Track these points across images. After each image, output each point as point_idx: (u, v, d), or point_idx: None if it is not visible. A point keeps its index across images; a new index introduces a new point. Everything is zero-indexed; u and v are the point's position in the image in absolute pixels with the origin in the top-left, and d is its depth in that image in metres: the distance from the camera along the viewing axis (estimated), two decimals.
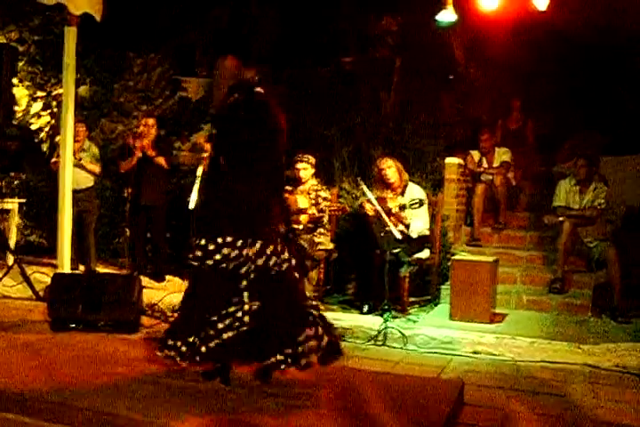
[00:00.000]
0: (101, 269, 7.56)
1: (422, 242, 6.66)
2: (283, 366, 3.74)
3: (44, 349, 4.60)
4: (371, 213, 6.41)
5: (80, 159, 7.38)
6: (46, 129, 8.69)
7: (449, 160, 7.81)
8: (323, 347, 3.82)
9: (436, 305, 6.75)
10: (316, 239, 6.73)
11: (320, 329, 3.82)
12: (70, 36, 6.57)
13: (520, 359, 5.11)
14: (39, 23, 8.59)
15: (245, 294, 3.75)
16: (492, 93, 9.38)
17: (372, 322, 5.77)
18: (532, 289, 6.88)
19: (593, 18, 8.33)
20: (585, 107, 8.89)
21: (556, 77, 9.15)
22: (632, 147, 8.23)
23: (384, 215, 6.16)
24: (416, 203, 6.29)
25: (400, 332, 5.51)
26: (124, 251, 7.87)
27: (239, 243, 3.74)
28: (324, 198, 6.83)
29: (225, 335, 3.70)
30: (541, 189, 8.17)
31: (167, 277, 7.48)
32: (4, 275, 6.61)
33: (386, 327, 5.55)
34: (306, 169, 6.88)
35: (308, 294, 4.18)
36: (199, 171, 6.89)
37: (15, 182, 8.43)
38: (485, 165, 7.98)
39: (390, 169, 6.67)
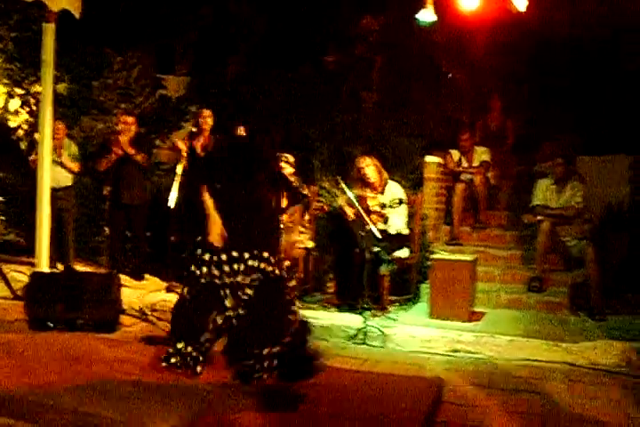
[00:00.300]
0: (80, 268, 7.50)
1: (402, 241, 6.67)
2: (258, 371, 3.82)
3: (21, 348, 4.57)
4: (351, 217, 6.43)
5: (59, 157, 7.32)
6: (25, 127, 8.61)
7: (429, 159, 7.83)
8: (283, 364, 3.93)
9: (415, 304, 6.77)
10: (296, 238, 6.73)
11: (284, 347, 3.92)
12: (48, 32, 6.52)
13: (499, 358, 5.15)
14: (17, 20, 8.50)
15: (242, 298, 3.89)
16: (472, 93, 9.41)
17: (352, 321, 5.78)
18: (511, 288, 6.92)
19: (572, 19, 8.39)
20: (564, 107, 8.94)
21: (536, 77, 9.21)
22: (611, 147, 8.28)
23: (364, 214, 6.17)
24: (397, 202, 6.31)
25: (380, 330, 5.53)
26: (103, 249, 7.83)
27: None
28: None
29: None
30: (520, 189, 8.21)
31: (146, 275, 7.45)
32: None
33: (365, 326, 5.57)
34: (285, 168, 6.87)
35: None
36: (179, 169, 6.86)
37: None
38: (465, 164, 8.01)
39: (369, 168, 6.68)
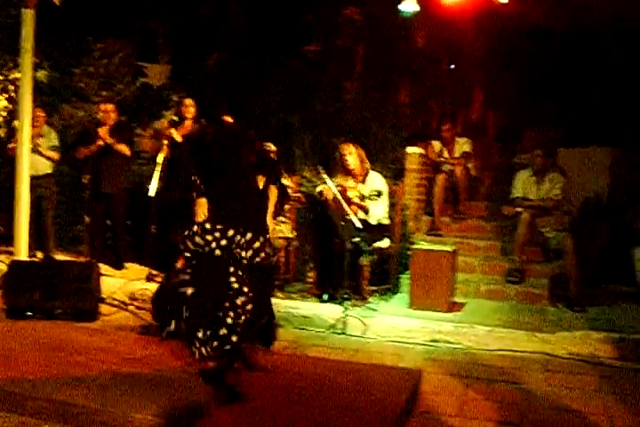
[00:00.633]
0: (60, 257, 7.46)
1: (382, 231, 6.68)
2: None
3: None
4: (330, 196, 6.40)
5: (38, 145, 7.26)
6: (3, 114, 8.52)
7: (410, 150, 7.84)
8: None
9: (395, 294, 6.80)
10: (277, 227, 6.72)
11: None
12: (28, 18, 6.44)
13: (478, 348, 5.17)
14: None
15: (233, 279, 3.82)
16: (454, 84, 9.43)
17: (332, 310, 5.79)
18: (491, 278, 6.96)
19: (554, 11, 8.42)
20: (546, 99, 8.99)
21: (518, 69, 9.23)
22: (591, 139, 8.34)
23: (344, 204, 6.17)
24: (375, 195, 6.31)
25: (360, 320, 5.54)
26: (83, 238, 7.79)
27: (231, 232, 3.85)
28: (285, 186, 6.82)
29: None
30: (501, 180, 8.24)
31: (126, 264, 7.42)
32: None
33: (345, 316, 5.58)
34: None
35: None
36: (160, 158, 6.82)
37: None
38: (446, 155, 8.02)
39: (351, 156, 6.67)
